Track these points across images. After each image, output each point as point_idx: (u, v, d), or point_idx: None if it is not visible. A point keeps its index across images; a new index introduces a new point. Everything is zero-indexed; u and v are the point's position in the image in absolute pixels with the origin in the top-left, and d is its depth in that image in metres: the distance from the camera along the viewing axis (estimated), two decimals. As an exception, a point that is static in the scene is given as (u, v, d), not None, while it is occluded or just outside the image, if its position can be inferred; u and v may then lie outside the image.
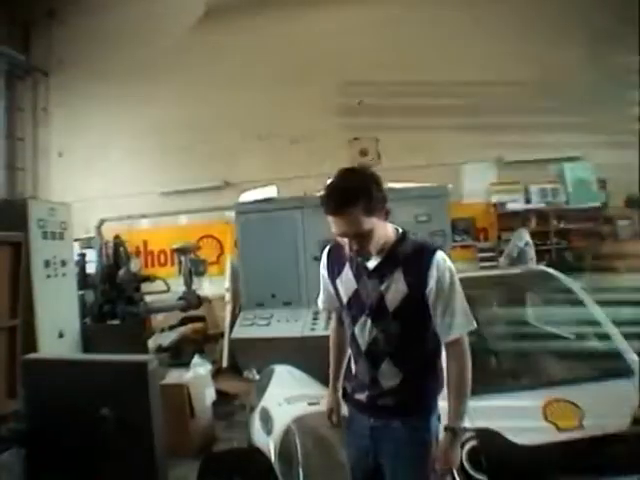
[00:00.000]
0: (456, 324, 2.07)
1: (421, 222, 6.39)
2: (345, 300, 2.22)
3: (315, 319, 6.40)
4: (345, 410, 2.50)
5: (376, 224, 2.00)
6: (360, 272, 2.15)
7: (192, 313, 7.32)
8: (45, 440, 3.85)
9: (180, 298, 6.97)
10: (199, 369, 5.15)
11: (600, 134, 8.42)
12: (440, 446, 2.15)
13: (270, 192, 6.73)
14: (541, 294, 4.92)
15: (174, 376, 4.84)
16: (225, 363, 6.68)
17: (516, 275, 4.86)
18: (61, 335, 5.41)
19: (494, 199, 9.42)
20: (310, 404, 4.14)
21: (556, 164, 9.33)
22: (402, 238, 2.13)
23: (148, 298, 6.69)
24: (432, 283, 2.03)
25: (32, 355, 4.24)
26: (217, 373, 5.78)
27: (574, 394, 3.14)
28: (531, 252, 8.02)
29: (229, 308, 7.22)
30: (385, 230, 2.09)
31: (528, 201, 9.37)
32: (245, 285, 6.87)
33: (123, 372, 3.91)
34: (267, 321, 6.41)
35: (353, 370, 2.36)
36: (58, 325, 5.41)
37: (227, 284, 7.48)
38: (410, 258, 2.07)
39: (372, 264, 2.11)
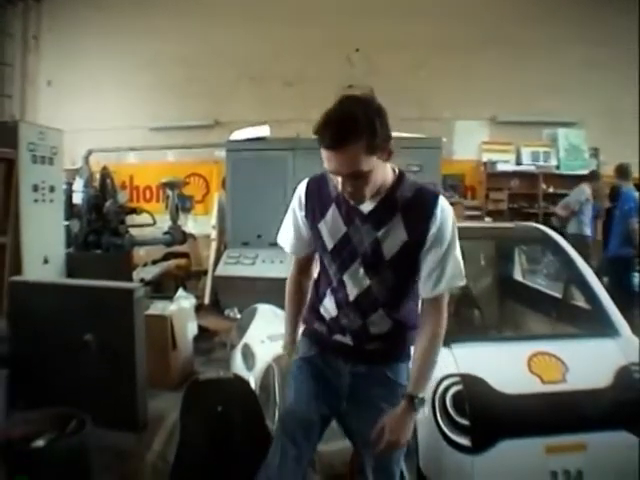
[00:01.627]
0: (446, 279, 1.88)
1: (412, 172, 6.30)
2: (330, 246, 1.97)
3: (301, 261, 6.36)
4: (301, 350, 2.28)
5: (376, 165, 1.74)
6: (351, 216, 1.91)
7: (176, 249, 7.28)
8: (28, 362, 3.86)
9: (165, 233, 6.91)
10: (183, 302, 5.14)
11: (596, 99, 8.42)
12: (393, 415, 1.94)
13: (263, 132, 6.63)
14: (531, 251, 4.94)
15: (158, 307, 4.82)
16: (207, 300, 6.68)
17: (507, 229, 4.85)
18: (46, 261, 5.34)
19: (484, 158, 9.43)
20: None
21: (550, 128, 9.37)
22: (400, 180, 1.89)
23: (133, 231, 6.60)
24: (433, 231, 1.84)
25: (18, 277, 4.22)
26: (199, 310, 5.77)
27: (559, 349, 3.14)
28: (589, 208, 7.72)
29: (214, 245, 7.18)
30: (384, 172, 1.83)
31: (519, 163, 9.39)
32: (232, 223, 6.86)
33: (109, 298, 3.92)
34: (252, 260, 6.43)
35: (331, 313, 2.11)
36: (43, 251, 5.34)
37: (214, 221, 7.41)
38: (410, 203, 1.85)
39: (367, 208, 1.87)
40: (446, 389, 2.90)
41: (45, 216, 5.37)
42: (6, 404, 3.79)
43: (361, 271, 1.95)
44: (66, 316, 3.90)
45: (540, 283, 4.70)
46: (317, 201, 1.99)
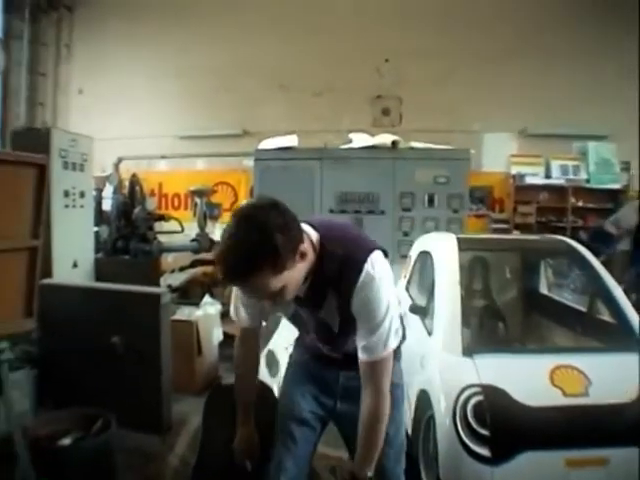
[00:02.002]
0: (380, 344, 1.81)
1: (440, 184, 6.38)
2: (287, 317, 2.07)
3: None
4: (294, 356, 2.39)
5: (290, 276, 1.65)
6: (295, 298, 1.85)
7: (203, 256, 7.33)
8: (56, 363, 3.94)
9: (193, 240, 6.98)
10: (209, 308, 5.20)
11: (629, 112, 8.32)
12: None
13: (291, 141, 6.67)
14: (557, 264, 4.91)
15: (184, 313, 4.89)
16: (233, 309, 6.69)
17: (532, 241, 4.82)
18: (75, 265, 5.47)
19: (513, 171, 9.37)
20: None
21: (580, 141, 9.26)
22: (322, 255, 1.79)
23: (161, 238, 6.69)
24: (356, 302, 1.78)
25: (48, 280, 4.32)
26: (224, 316, 5.81)
27: (582, 363, 3.12)
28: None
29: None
30: (304, 266, 1.73)
31: (548, 176, 9.30)
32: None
33: (136, 302, 3.99)
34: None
35: (315, 344, 2.15)
36: (73, 255, 5.47)
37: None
38: (337, 275, 1.78)
39: (302, 291, 1.82)
40: (467, 399, 2.89)
41: (75, 221, 5.50)
42: (35, 403, 3.88)
43: (316, 335, 2.03)
44: (94, 319, 3.98)
45: (566, 297, 4.65)
46: None
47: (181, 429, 3.91)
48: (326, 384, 2.19)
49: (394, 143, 6.43)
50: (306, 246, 1.71)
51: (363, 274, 1.74)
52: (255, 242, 1.53)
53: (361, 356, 1.84)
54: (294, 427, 2.15)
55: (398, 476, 2.17)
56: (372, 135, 6.79)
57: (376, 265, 1.78)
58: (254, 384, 2.34)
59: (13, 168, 2.79)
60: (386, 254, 1.90)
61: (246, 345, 2.27)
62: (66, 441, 3.36)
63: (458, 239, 4.05)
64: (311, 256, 1.75)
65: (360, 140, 6.66)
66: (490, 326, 4.30)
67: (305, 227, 1.78)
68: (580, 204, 9.15)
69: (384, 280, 1.79)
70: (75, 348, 3.99)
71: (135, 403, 3.75)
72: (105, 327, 3.97)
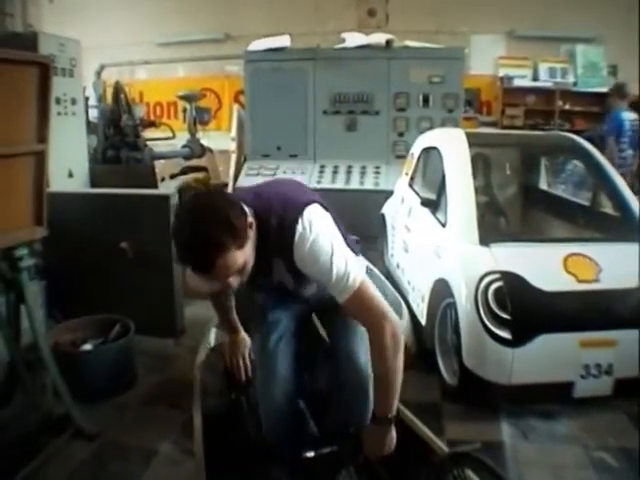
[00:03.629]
0: (343, 281, 1.73)
1: (435, 83, 6.30)
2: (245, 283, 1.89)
3: (321, 172, 6.46)
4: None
5: (248, 248, 1.66)
6: None
7: (194, 163, 7.24)
8: (64, 274, 3.93)
9: (184, 146, 6.87)
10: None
11: (617, 15, 8.18)
12: (369, 432, 1.83)
13: (282, 42, 6.48)
14: (559, 160, 4.95)
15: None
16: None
17: (535, 137, 4.83)
18: (71, 175, 5.33)
19: (501, 73, 9.22)
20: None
21: (568, 44, 9.10)
22: (261, 228, 1.75)
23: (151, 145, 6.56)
24: (300, 262, 1.77)
25: (54, 189, 4.23)
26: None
27: (592, 251, 3.22)
28: None
29: (234, 158, 7.11)
30: (253, 238, 1.71)
31: (536, 79, 9.20)
32: (251, 136, 6.78)
33: (145, 206, 3.96)
34: (272, 172, 6.39)
35: None
36: (67, 165, 5.32)
37: (233, 133, 7.29)
38: (278, 243, 1.78)
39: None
40: (488, 285, 2.98)
41: (68, 130, 5.29)
42: (47, 315, 3.89)
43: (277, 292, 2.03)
44: (101, 226, 3.95)
45: (567, 192, 4.71)
46: None
47: (195, 332, 3.92)
48: (298, 302, 2.17)
49: (388, 42, 6.28)
50: (252, 226, 1.70)
51: (297, 236, 1.72)
52: (214, 225, 1.53)
53: (338, 300, 1.78)
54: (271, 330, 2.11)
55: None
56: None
57: (308, 222, 1.75)
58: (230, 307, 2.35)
59: (16, 68, 2.66)
60: (324, 206, 1.89)
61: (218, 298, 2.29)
62: (87, 346, 3.42)
63: (466, 133, 4.07)
64: (254, 229, 1.72)
65: (354, 39, 6.50)
66: (492, 222, 4.35)
67: None
68: (567, 107, 9.10)
69: (321, 234, 1.75)
70: (83, 257, 3.98)
71: (148, 309, 3.78)
72: (113, 233, 3.95)
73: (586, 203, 4.25)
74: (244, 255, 1.61)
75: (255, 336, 2.20)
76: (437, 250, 3.57)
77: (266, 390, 1.98)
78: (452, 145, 4.05)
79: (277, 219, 1.75)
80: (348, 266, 1.73)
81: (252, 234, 1.68)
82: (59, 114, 5.11)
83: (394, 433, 1.73)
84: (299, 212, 1.75)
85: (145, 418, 3.12)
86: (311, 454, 1.69)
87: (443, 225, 3.67)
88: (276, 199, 1.82)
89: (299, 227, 1.72)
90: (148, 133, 6.76)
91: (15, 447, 2.72)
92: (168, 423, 3.01)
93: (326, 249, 1.72)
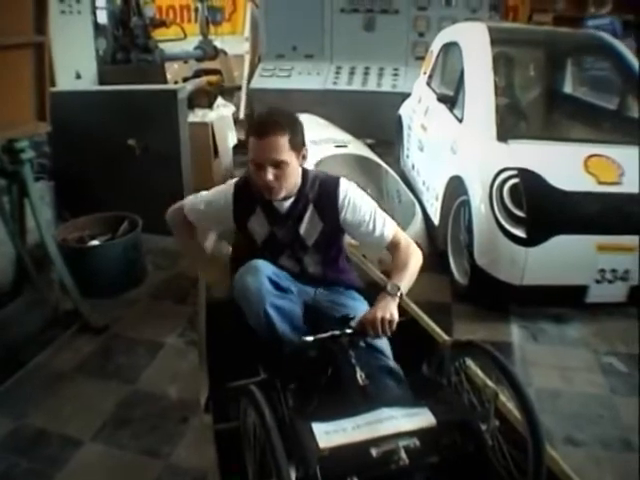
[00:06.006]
0: (386, 228, 2.00)
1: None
2: (260, 241, 2.08)
3: (337, 73, 6.29)
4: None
5: (294, 164, 1.89)
6: (273, 216, 2.03)
7: (207, 66, 7.03)
8: (72, 175, 3.88)
9: (197, 47, 6.67)
10: (223, 110, 5.05)
11: None
12: (376, 304, 1.83)
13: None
14: (587, 61, 4.70)
15: (198, 115, 4.73)
16: (242, 114, 6.55)
17: (562, 35, 4.56)
18: (78, 76, 5.15)
19: (531, -27, 8.68)
20: (337, 146, 4.24)
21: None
22: (305, 178, 2.01)
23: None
24: (345, 213, 1.99)
25: (58, 88, 4.11)
26: (234, 124, 5.66)
27: (616, 153, 3.08)
28: None
29: (248, 58, 6.91)
30: (298, 174, 1.96)
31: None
32: (266, 36, 6.58)
33: (152, 101, 3.85)
34: (287, 73, 6.28)
35: None
36: (74, 66, 5.13)
37: (246, 34, 7.06)
38: (318, 195, 2.01)
39: (284, 208, 2.01)
40: (503, 182, 2.88)
41: (73, 29, 5.08)
42: (56, 215, 3.88)
43: (289, 256, 2.08)
44: (108, 123, 3.86)
45: (593, 95, 4.50)
46: (245, 203, 2.06)
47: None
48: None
49: None
50: (300, 171, 1.97)
51: (341, 188, 1.98)
52: (282, 118, 1.84)
53: (384, 244, 2.02)
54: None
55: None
56: None
57: (348, 183, 2.03)
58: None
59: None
60: None
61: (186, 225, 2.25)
62: (94, 242, 3.41)
63: (489, 27, 3.85)
64: (299, 179, 1.97)
65: None
66: (512, 124, 4.18)
67: None
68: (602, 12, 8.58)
69: (359, 190, 2.04)
70: (91, 156, 3.92)
71: (156, 206, 3.69)
72: (121, 131, 3.87)
73: (613, 107, 4.06)
74: (291, 158, 1.84)
75: None
76: (452, 146, 3.46)
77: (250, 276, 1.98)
78: (473, 38, 3.86)
79: (322, 178, 2.02)
80: (387, 217, 2.01)
81: (303, 163, 1.94)
82: (63, 12, 4.90)
83: (396, 312, 1.78)
84: (338, 179, 2.02)
85: (152, 313, 3.17)
86: (310, 338, 1.69)
87: (460, 120, 3.54)
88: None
89: (342, 184, 2.00)
90: (159, 34, 6.50)
91: (23, 340, 2.76)
92: (175, 317, 3.05)
93: (367, 199, 2.02)
